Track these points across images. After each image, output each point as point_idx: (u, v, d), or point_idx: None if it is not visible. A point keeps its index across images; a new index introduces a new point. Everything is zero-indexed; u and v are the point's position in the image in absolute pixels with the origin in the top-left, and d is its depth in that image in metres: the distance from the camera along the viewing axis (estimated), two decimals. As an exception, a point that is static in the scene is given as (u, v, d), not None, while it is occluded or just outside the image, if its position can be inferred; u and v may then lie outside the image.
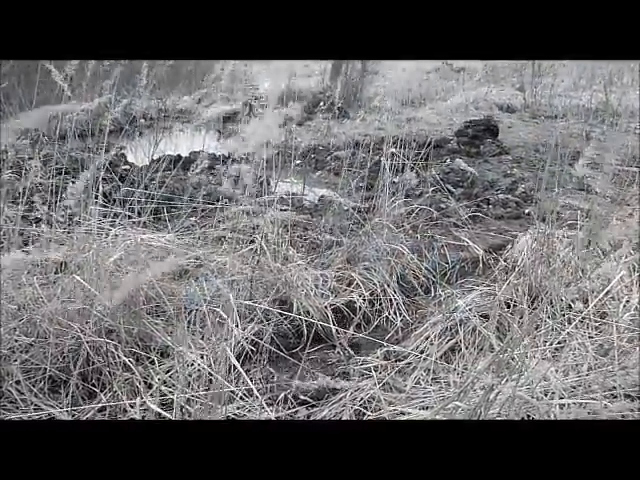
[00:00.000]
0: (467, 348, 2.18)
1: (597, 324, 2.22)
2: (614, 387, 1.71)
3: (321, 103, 6.91)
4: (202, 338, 1.97)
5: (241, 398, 1.85)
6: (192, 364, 1.89)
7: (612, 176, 2.44)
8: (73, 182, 2.83)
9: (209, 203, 3.07)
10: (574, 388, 1.74)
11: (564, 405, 1.59)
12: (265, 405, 1.81)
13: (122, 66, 2.40)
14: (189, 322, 2.10)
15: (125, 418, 1.75)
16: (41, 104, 2.37)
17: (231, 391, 1.80)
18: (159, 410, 1.67)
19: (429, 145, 2.93)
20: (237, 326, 1.89)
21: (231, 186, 2.06)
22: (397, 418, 1.75)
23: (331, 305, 2.45)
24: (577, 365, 1.93)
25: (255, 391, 1.70)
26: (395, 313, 2.56)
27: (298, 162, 5.19)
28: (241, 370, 1.62)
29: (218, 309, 1.89)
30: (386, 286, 2.63)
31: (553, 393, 1.72)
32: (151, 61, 2.61)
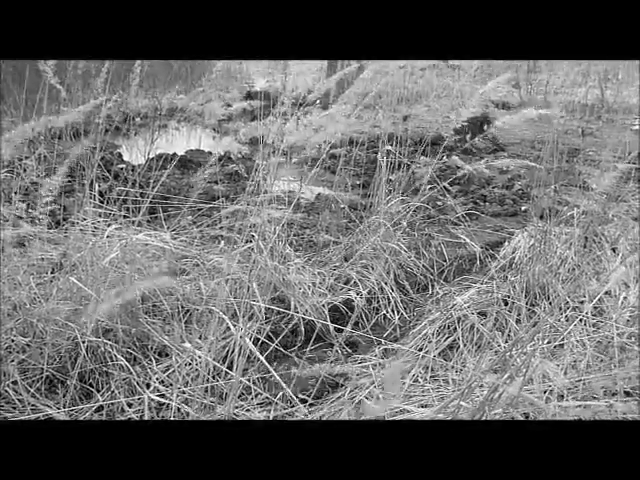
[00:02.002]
0: (465, 345, 2.19)
1: (594, 321, 2.23)
2: (614, 384, 1.71)
3: (317, 101, 6.89)
4: (200, 337, 1.96)
5: (239, 397, 1.85)
6: (190, 363, 1.88)
7: (609, 172, 2.44)
8: (70, 182, 2.82)
9: (205, 202, 3.06)
10: (574, 387, 1.75)
11: (567, 407, 1.59)
12: (263, 405, 1.81)
13: (117, 64, 2.38)
14: (186, 321, 2.09)
15: (123, 418, 1.75)
16: (36, 104, 2.36)
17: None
18: (159, 399, 1.66)
19: (425, 142, 2.92)
20: (234, 325, 1.89)
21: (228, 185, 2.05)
22: (396, 416, 1.75)
23: (329, 303, 2.45)
24: (576, 362, 1.94)
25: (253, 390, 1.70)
26: (393, 311, 2.56)
27: (294, 160, 5.18)
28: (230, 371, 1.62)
29: (215, 308, 1.89)
30: (383, 284, 2.63)
31: (552, 391, 1.72)
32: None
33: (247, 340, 1.52)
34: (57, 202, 2.25)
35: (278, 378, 1.69)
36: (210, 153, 4.80)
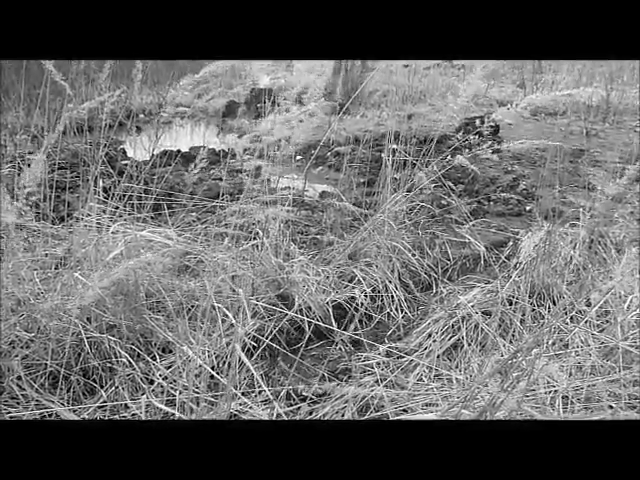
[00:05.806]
0: (469, 345, 2.18)
1: (599, 322, 2.23)
2: (621, 386, 1.71)
3: (322, 99, 6.89)
4: (204, 334, 1.96)
5: (243, 394, 1.84)
6: (194, 360, 1.88)
7: (620, 179, 2.44)
8: (74, 178, 2.82)
9: (210, 199, 3.06)
10: (580, 388, 1.74)
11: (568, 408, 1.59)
12: (267, 402, 1.80)
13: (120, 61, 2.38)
14: (190, 318, 2.09)
15: (126, 414, 1.75)
16: (40, 100, 2.36)
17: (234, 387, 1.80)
18: (162, 407, 1.66)
19: (430, 141, 2.91)
20: (239, 322, 1.89)
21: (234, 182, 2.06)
22: (400, 416, 1.75)
23: (332, 301, 2.44)
24: (581, 364, 1.93)
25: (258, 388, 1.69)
26: (397, 309, 2.56)
27: (298, 158, 5.18)
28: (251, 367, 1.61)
29: (220, 305, 1.89)
30: (387, 282, 2.63)
31: (556, 391, 1.72)
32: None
33: (237, 346, 1.51)
34: (38, 192, 2.22)
35: (260, 380, 1.69)
36: (204, 147, 4.78)
